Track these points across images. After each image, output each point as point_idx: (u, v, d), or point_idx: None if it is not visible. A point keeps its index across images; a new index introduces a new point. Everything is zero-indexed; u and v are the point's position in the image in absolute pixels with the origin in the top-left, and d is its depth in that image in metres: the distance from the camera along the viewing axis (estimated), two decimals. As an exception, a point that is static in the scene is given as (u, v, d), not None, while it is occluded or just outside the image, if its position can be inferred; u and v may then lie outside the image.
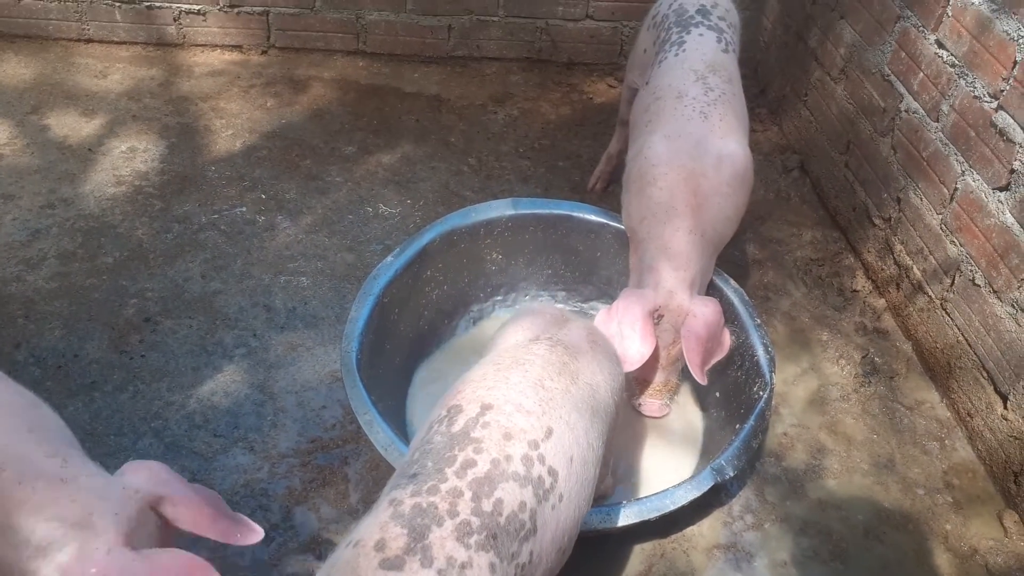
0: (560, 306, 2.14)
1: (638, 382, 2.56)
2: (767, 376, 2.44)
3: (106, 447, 2.50)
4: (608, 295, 3.00)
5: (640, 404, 2.57)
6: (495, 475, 1.45)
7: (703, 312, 2.41)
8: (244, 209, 3.42)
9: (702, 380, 2.38)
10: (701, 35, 2.82)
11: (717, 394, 2.65)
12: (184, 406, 2.65)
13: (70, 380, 2.68)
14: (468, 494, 1.40)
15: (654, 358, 2.44)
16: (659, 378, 2.53)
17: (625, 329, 2.35)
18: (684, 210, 2.48)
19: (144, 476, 1.59)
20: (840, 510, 2.54)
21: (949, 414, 2.84)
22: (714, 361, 2.48)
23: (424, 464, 1.47)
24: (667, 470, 2.50)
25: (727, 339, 2.52)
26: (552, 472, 1.54)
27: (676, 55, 2.78)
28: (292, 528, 2.34)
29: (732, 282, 2.70)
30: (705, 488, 2.17)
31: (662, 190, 2.50)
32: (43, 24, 4.30)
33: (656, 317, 2.42)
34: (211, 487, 2.39)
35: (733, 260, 3.22)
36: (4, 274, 3.03)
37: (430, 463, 1.47)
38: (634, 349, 2.32)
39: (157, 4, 4.25)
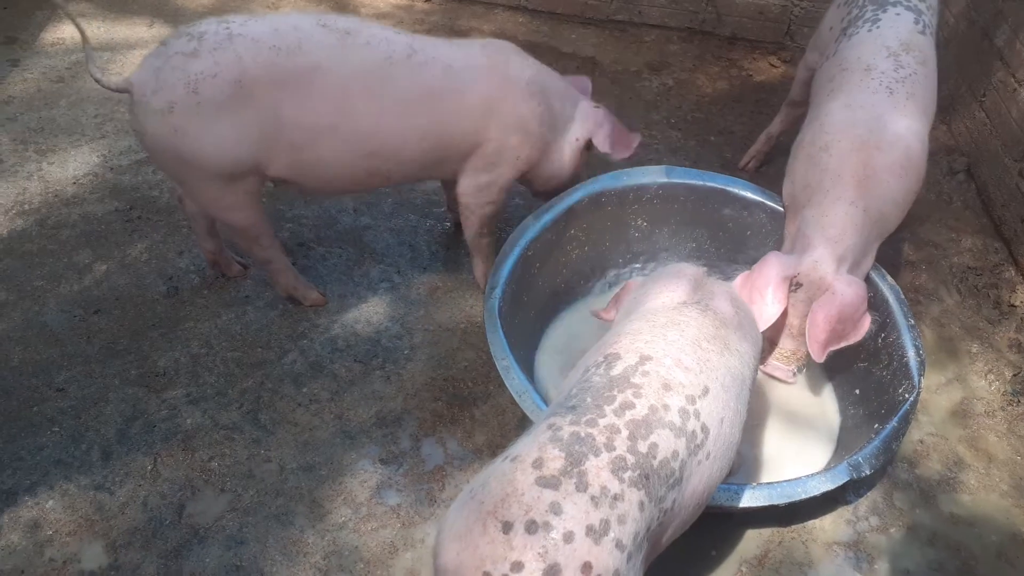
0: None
1: (769, 342, 2.48)
2: (915, 379, 2.35)
3: (254, 357, 2.64)
4: (752, 276, 2.94)
5: (766, 365, 2.49)
6: (652, 420, 1.47)
7: (842, 291, 2.29)
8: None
9: (819, 358, 2.28)
10: (898, 14, 2.70)
11: (857, 391, 2.57)
12: (328, 330, 2.76)
13: (225, 292, 2.83)
14: (625, 432, 1.43)
15: (783, 323, 2.37)
16: (789, 345, 2.44)
17: (757, 289, 2.29)
18: (850, 180, 2.38)
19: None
20: (973, 527, 2.43)
21: (1105, 447, 2.67)
22: (843, 344, 2.34)
23: (583, 399, 1.50)
24: (796, 459, 2.45)
25: (865, 325, 2.36)
26: (705, 429, 1.56)
27: (869, 30, 2.68)
28: (419, 458, 2.42)
29: (889, 279, 2.60)
30: (840, 482, 2.12)
31: (832, 156, 2.42)
32: (225, -47, 4.48)
33: (793, 284, 2.33)
34: (346, 409, 2.51)
35: (886, 258, 3.08)
36: (173, 185, 3.21)
37: (589, 399, 1.50)
38: (761, 310, 2.25)
39: (333, -57, 4.37)
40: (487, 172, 2.57)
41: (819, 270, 2.33)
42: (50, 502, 2.23)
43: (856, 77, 2.54)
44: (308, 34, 2.29)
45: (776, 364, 2.48)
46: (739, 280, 2.37)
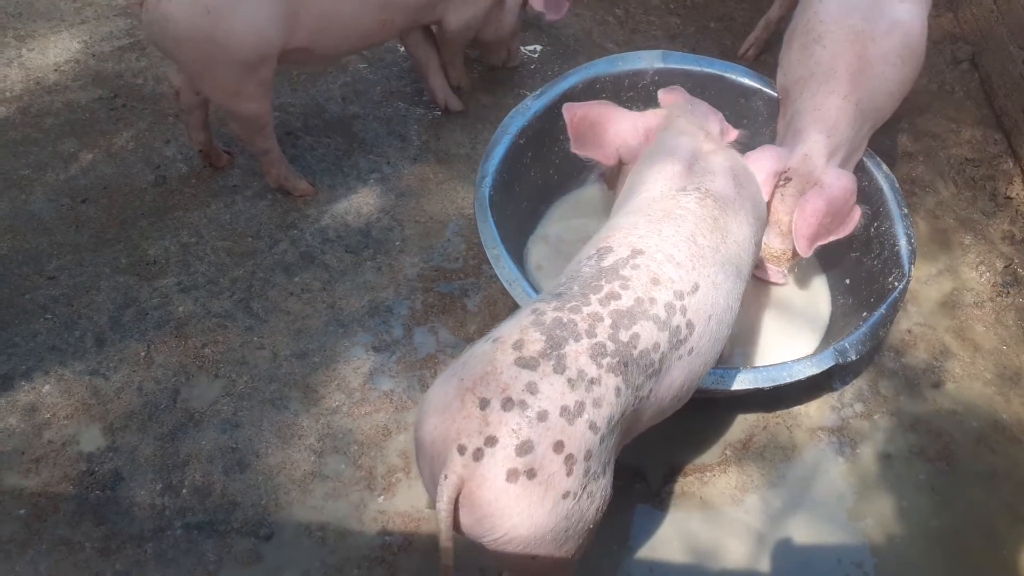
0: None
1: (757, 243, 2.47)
2: (906, 267, 2.35)
3: (244, 247, 2.63)
4: (746, 166, 2.91)
5: (757, 267, 2.47)
6: (636, 312, 1.48)
7: (832, 183, 2.26)
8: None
9: (805, 253, 2.26)
10: None
11: (848, 280, 2.58)
12: (318, 220, 2.74)
13: (213, 181, 2.80)
14: (608, 321, 1.45)
15: (772, 218, 2.34)
16: (778, 244, 2.41)
17: None
18: (844, 74, 2.33)
19: None
20: (955, 414, 2.48)
21: (1090, 337, 2.71)
22: (832, 238, 2.32)
23: (570, 287, 1.51)
24: (786, 346, 2.47)
25: (854, 219, 2.34)
26: (690, 325, 1.57)
27: None
28: (411, 345, 2.45)
29: (884, 167, 2.57)
30: (825, 367, 2.15)
31: (825, 48, 2.36)
32: None
33: (783, 179, 2.31)
34: (338, 299, 2.52)
35: (883, 149, 3.04)
36: (157, 72, 3.13)
37: (576, 287, 1.51)
38: None
39: None
40: (471, 5, 2.82)
41: (809, 163, 2.30)
42: (46, 387, 2.26)
43: None
44: None
45: (767, 266, 2.47)
46: None
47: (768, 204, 2.26)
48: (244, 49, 2.27)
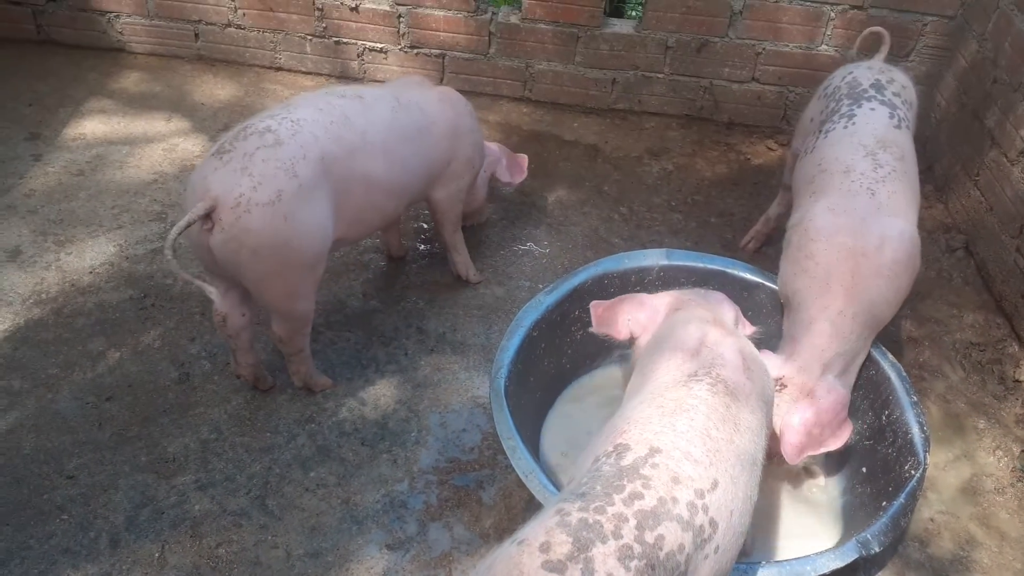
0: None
1: None
2: (920, 455, 2.35)
3: (262, 442, 2.67)
4: (754, 355, 2.97)
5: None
6: (660, 512, 1.48)
7: (823, 396, 2.35)
8: (404, 240, 3.60)
9: (793, 461, 2.33)
10: (873, 109, 2.76)
11: (864, 470, 2.56)
12: (336, 413, 2.79)
13: (236, 378, 2.87)
14: (633, 522, 1.44)
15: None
16: (773, 447, 2.39)
17: None
18: (837, 289, 2.41)
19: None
20: (988, 608, 2.40)
21: (1119, 524, 2.65)
22: (822, 450, 2.39)
23: (593, 487, 1.52)
24: (806, 540, 2.43)
25: (845, 432, 2.41)
26: (713, 524, 1.56)
27: (845, 127, 2.73)
28: (426, 543, 2.42)
29: (890, 356, 2.62)
30: (849, 560, 2.10)
31: (818, 265, 2.45)
32: (241, 51, 4.68)
33: (779, 385, 2.38)
34: (353, 494, 2.52)
35: (888, 336, 3.12)
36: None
37: (599, 487, 1.51)
38: None
39: (344, 40, 4.56)
40: (456, 181, 3.09)
41: (802, 376, 2.38)
42: (57, 591, 2.23)
43: (836, 180, 2.57)
44: (342, 105, 2.61)
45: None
46: None
47: None
48: (313, 249, 2.45)
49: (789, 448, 2.30)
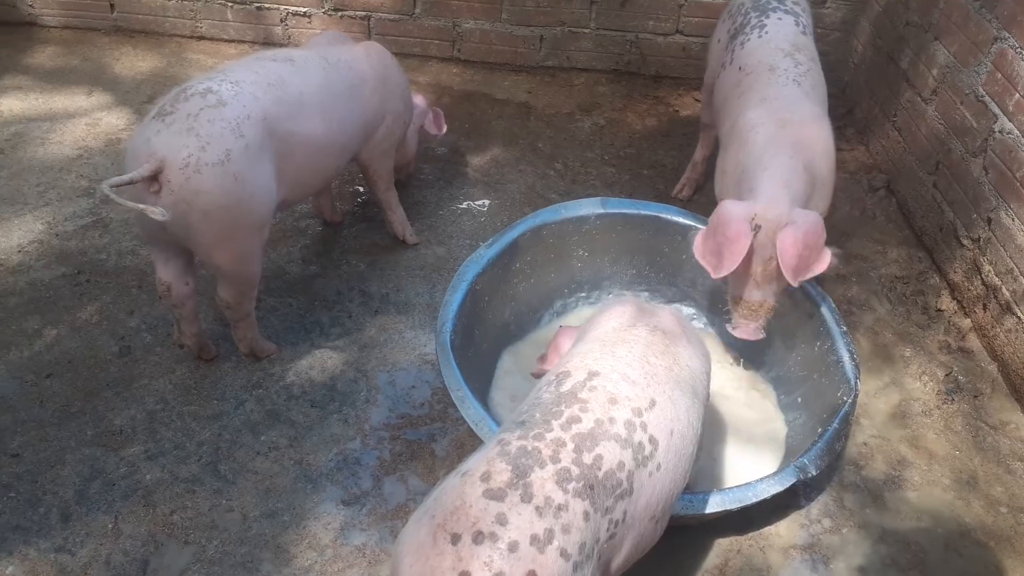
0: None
1: (734, 301, 2.55)
2: (852, 382, 2.47)
3: (210, 410, 2.65)
4: (691, 298, 3.06)
5: (735, 326, 2.55)
6: (597, 433, 1.55)
7: (803, 219, 2.37)
8: (340, 204, 3.58)
9: (794, 282, 2.36)
10: (780, 19, 2.97)
11: (799, 399, 2.68)
12: (283, 378, 2.79)
13: (178, 348, 2.84)
14: (570, 445, 1.50)
15: (748, 269, 2.43)
16: (755, 296, 2.49)
17: (719, 233, 2.37)
18: (785, 145, 2.52)
19: None
20: (920, 522, 2.54)
21: (1035, 436, 2.82)
22: (811, 275, 2.42)
23: (532, 415, 1.57)
24: (748, 468, 2.53)
25: (827, 257, 2.42)
26: (653, 441, 1.63)
27: (759, 36, 2.91)
28: (382, 496, 2.45)
29: (819, 287, 2.73)
30: (788, 484, 2.21)
31: (761, 135, 2.57)
32: (160, 21, 4.56)
33: (753, 227, 2.38)
34: (306, 454, 2.54)
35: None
36: (120, 247, 3.24)
37: (538, 414, 1.57)
38: (728, 250, 2.34)
39: (266, 5, 4.47)
40: (388, 137, 3.11)
41: (775, 208, 2.38)
42: (10, 568, 2.20)
43: (763, 76, 2.75)
44: (276, 68, 2.59)
45: (744, 323, 2.53)
46: (699, 237, 2.48)
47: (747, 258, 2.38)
48: (261, 210, 2.44)
49: (789, 271, 2.33)
